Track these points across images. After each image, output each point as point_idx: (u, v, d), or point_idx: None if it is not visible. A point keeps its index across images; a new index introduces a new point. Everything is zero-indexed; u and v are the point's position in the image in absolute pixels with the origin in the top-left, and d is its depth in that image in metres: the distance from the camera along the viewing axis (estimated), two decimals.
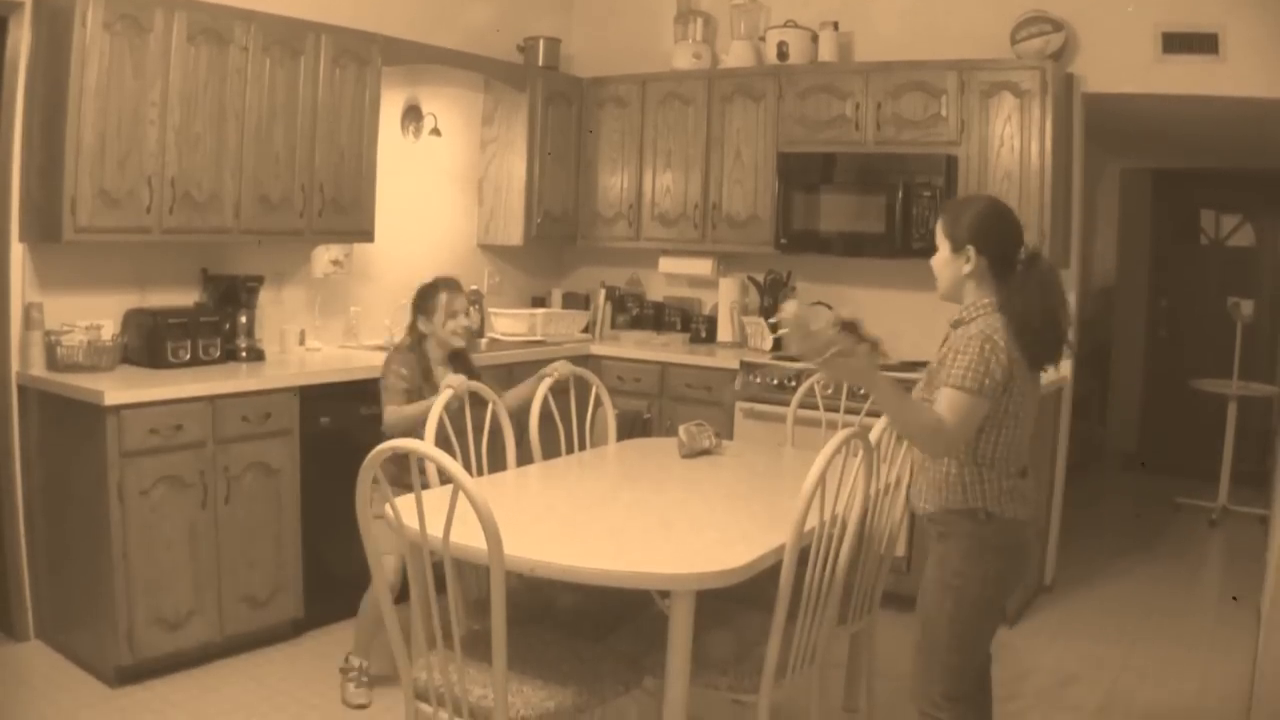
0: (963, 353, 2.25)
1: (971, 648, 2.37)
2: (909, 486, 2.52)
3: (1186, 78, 4.29)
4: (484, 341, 4.93)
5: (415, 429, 3.12)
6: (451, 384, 3.17)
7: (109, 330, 3.71)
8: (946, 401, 2.23)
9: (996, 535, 2.31)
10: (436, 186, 5.18)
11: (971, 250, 2.35)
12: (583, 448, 3.51)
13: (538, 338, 5.09)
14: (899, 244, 4.49)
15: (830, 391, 3.79)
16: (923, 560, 4.23)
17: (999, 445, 2.30)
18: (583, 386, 3.59)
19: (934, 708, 2.36)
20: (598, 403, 3.58)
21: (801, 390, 3.66)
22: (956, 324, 2.40)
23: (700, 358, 4.92)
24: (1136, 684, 3.72)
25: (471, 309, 3.57)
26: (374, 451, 2.13)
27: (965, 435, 2.25)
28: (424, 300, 3.57)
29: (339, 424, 3.88)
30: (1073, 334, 2.42)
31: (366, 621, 3.39)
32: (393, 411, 3.39)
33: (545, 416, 3.38)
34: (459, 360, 3.61)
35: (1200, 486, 6.15)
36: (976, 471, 2.31)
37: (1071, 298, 4.54)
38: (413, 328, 3.57)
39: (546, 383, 3.48)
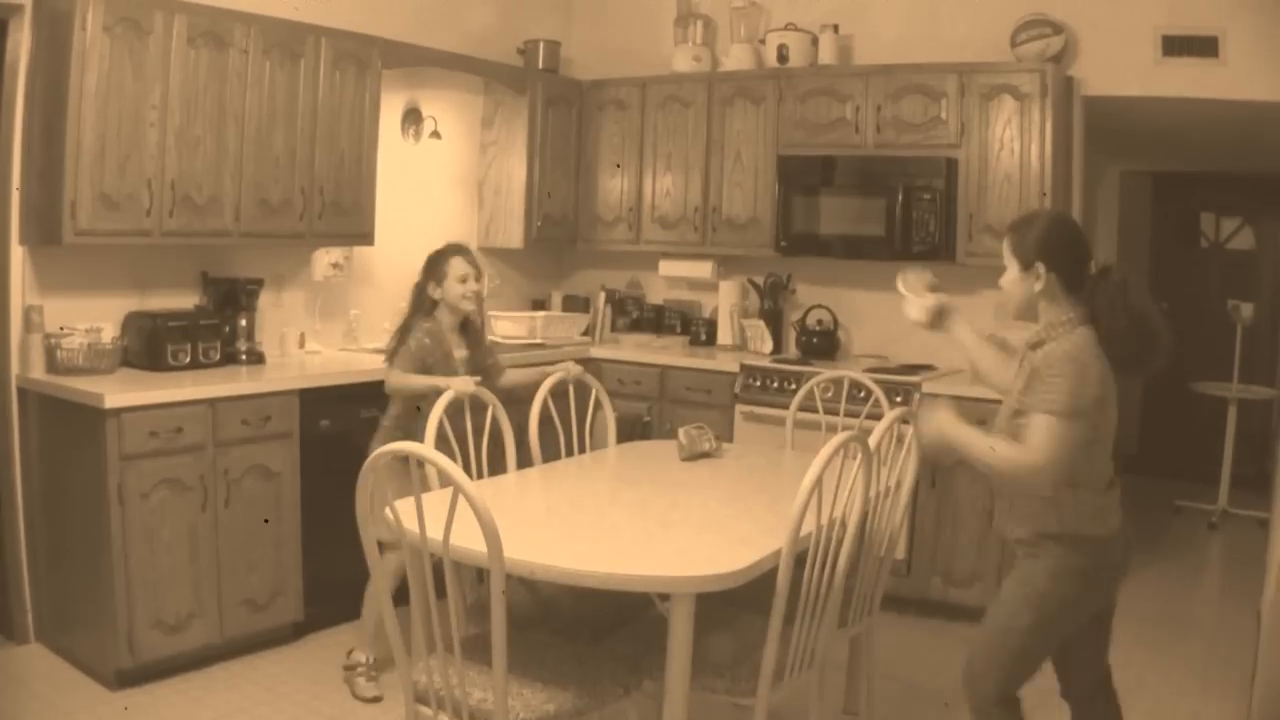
0: (1054, 375, 2.22)
1: (1035, 658, 2.43)
2: (995, 512, 2.52)
3: (1186, 80, 4.29)
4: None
5: (412, 403, 3.28)
6: (455, 386, 3.16)
7: (109, 333, 3.71)
8: (1044, 430, 2.20)
9: (1083, 558, 2.33)
10: (436, 189, 5.18)
11: (1041, 267, 2.32)
12: (583, 450, 3.50)
13: (538, 341, 5.08)
14: (899, 247, 4.48)
15: (830, 394, 3.79)
16: (926, 562, 4.25)
17: (1091, 462, 2.30)
18: (582, 390, 3.58)
19: (986, 703, 2.41)
20: (597, 406, 3.58)
21: (801, 393, 3.66)
22: (1035, 345, 2.35)
23: (700, 360, 4.92)
24: (1136, 686, 3.71)
25: (478, 276, 3.60)
26: (374, 454, 2.13)
27: (1067, 461, 2.21)
28: (436, 265, 3.54)
29: (339, 427, 3.88)
30: (1168, 339, 2.31)
31: (372, 614, 3.39)
32: (398, 376, 3.39)
33: (545, 420, 3.38)
34: (469, 332, 3.60)
35: (1200, 489, 6.14)
36: (1071, 494, 2.30)
37: None
38: (419, 295, 3.53)
39: (555, 378, 3.46)
